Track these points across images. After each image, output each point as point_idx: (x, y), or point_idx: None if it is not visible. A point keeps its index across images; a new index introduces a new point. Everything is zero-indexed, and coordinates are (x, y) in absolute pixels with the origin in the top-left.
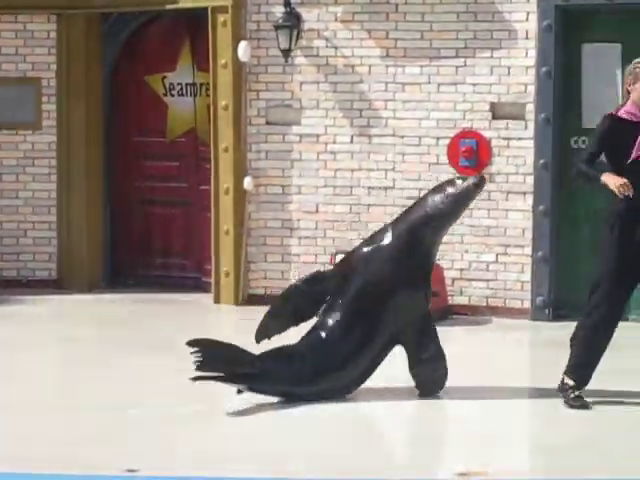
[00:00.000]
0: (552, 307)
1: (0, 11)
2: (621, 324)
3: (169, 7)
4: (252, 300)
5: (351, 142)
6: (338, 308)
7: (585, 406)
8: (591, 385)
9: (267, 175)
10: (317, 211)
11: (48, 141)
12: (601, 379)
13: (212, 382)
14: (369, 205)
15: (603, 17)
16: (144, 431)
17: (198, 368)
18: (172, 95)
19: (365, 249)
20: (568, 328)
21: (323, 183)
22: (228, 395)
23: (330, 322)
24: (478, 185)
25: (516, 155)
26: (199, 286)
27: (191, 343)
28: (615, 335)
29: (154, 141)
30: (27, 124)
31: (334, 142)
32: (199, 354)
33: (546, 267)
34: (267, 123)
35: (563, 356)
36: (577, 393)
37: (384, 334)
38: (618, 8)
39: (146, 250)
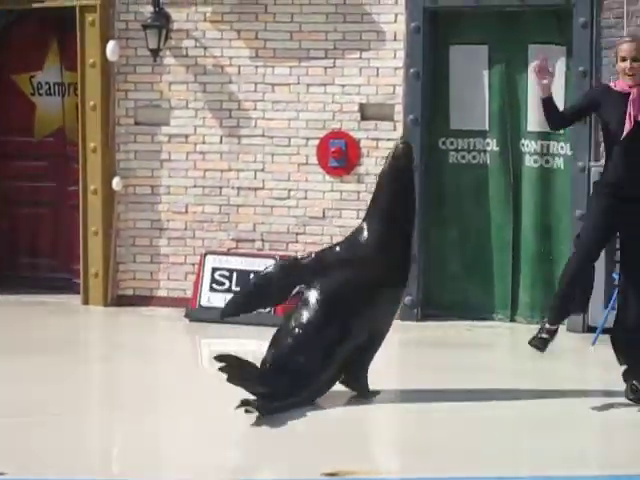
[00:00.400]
0: (420, 307)
1: None
2: (485, 323)
3: (36, 6)
4: (121, 301)
5: (220, 142)
6: (314, 307)
7: (539, 348)
8: (456, 385)
9: (136, 175)
10: (186, 211)
11: None
12: (459, 378)
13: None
14: (238, 206)
15: (470, 19)
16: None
17: (229, 381)
18: (40, 94)
19: (342, 248)
20: (436, 328)
21: (192, 183)
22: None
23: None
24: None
25: (385, 156)
26: (69, 287)
27: (218, 358)
28: (481, 335)
29: (21, 141)
30: None
31: (203, 142)
32: (226, 370)
33: (414, 267)
34: (136, 123)
35: (432, 356)
36: (543, 335)
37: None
38: (485, 10)
39: (13, 251)
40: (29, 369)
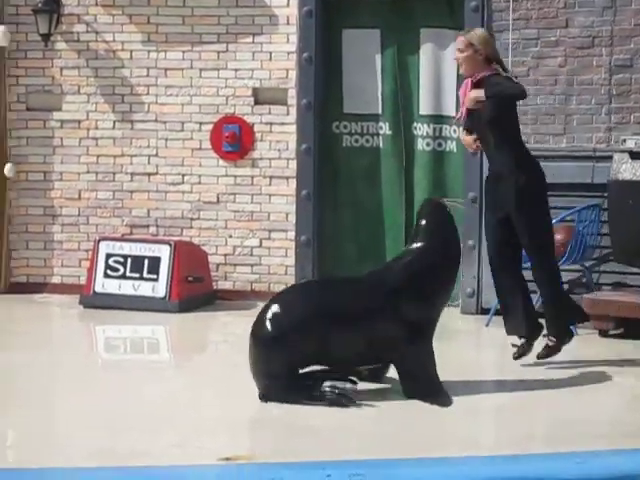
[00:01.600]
0: None
1: None
2: None
3: None
4: (15, 288)
5: (113, 128)
6: None
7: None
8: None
9: (28, 162)
10: (80, 198)
11: None
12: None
13: None
14: (132, 191)
15: (363, 3)
16: None
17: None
18: None
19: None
20: None
21: (85, 169)
22: None
23: None
24: None
25: (279, 140)
26: None
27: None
28: None
29: None
30: None
31: (96, 128)
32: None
33: (309, 251)
34: (27, 109)
35: None
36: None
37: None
38: None
39: None
40: None
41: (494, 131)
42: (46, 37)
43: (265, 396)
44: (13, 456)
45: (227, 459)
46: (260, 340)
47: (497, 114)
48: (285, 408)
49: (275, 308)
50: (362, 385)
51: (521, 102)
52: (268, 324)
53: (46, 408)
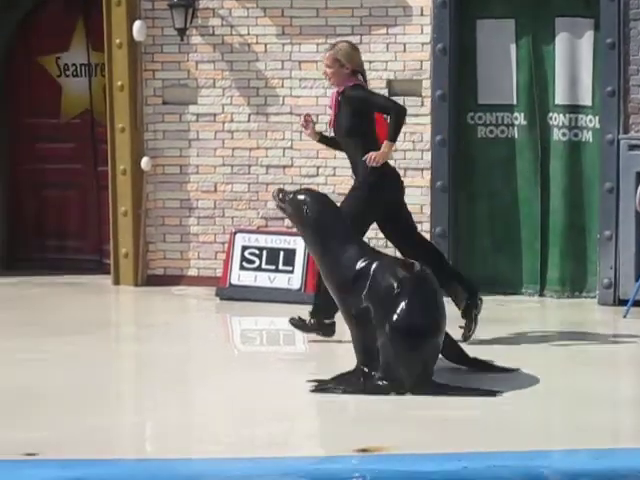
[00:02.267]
0: None
1: None
2: (514, 298)
3: None
4: (151, 281)
5: (248, 121)
6: None
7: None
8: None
9: (164, 155)
10: (215, 190)
11: None
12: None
13: None
14: (267, 184)
15: None
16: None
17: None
18: (67, 76)
19: None
20: None
21: (221, 162)
22: None
23: None
24: None
25: (413, 132)
26: (98, 268)
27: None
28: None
29: (48, 123)
30: None
31: (231, 121)
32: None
33: (444, 242)
34: (164, 103)
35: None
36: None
37: None
38: None
39: (40, 233)
40: (63, 350)
41: (350, 140)
42: (182, 31)
43: (415, 388)
44: (153, 447)
45: (363, 450)
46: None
47: (351, 124)
48: (416, 400)
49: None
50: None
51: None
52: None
53: (183, 399)
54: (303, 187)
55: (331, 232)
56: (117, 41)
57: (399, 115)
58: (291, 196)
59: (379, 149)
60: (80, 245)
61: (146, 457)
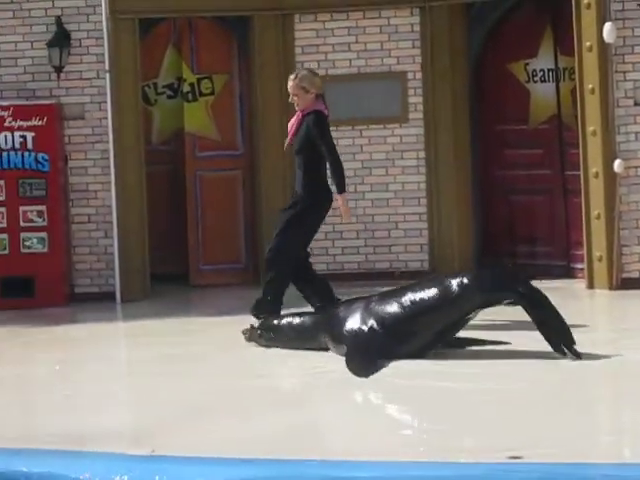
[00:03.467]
0: None
1: (364, 7)
2: None
3: None
4: (626, 284)
5: None
6: None
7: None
8: None
9: (637, 157)
10: None
11: (415, 133)
12: None
13: None
14: None
15: None
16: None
17: None
18: (534, 81)
19: None
20: None
21: None
22: None
23: None
24: None
25: None
26: (566, 273)
27: None
28: None
29: (516, 129)
30: (394, 118)
31: None
32: None
33: None
34: (635, 104)
35: None
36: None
37: None
38: None
39: (510, 238)
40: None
41: (299, 160)
42: None
43: None
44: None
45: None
46: None
47: (299, 149)
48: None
49: None
50: None
51: None
52: None
53: None
54: None
55: None
56: (587, 44)
57: (337, 168)
58: None
59: (321, 171)
60: (549, 250)
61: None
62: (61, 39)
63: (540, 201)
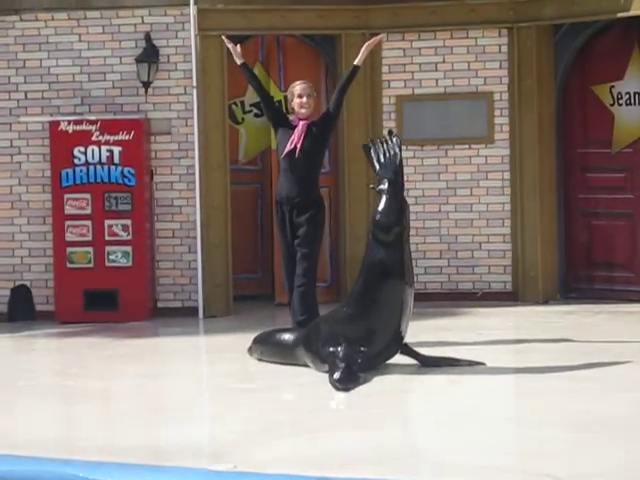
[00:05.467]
0: None
1: (451, 27)
2: None
3: (621, 15)
4: None
5: None
6: None
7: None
8: None
9: None
10: None
11: (501, 154)
12: None
13: None
14: None
15: None
16: None
17: None
18: (619, 104)
19: None
20: None
21: None
22: None
23: None
24: None
25: None
26: None
27: None
28: None
29: (598, 152)
30: (480, 138)
31: None
32: None
33: None
34: None
35: None
36: None
37: None
38: None
39: (589, 263)
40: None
41: (311, 162)
42: None
43: None
44: None
45: None
46: None
47: (315, 148)
48: None
49: None
50: None
51: None
52: None
53: None
54: None
55: None
56: None
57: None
58: None
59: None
60: (628, 276)
61: None
62: (149, 55)
63: (620, 226)
